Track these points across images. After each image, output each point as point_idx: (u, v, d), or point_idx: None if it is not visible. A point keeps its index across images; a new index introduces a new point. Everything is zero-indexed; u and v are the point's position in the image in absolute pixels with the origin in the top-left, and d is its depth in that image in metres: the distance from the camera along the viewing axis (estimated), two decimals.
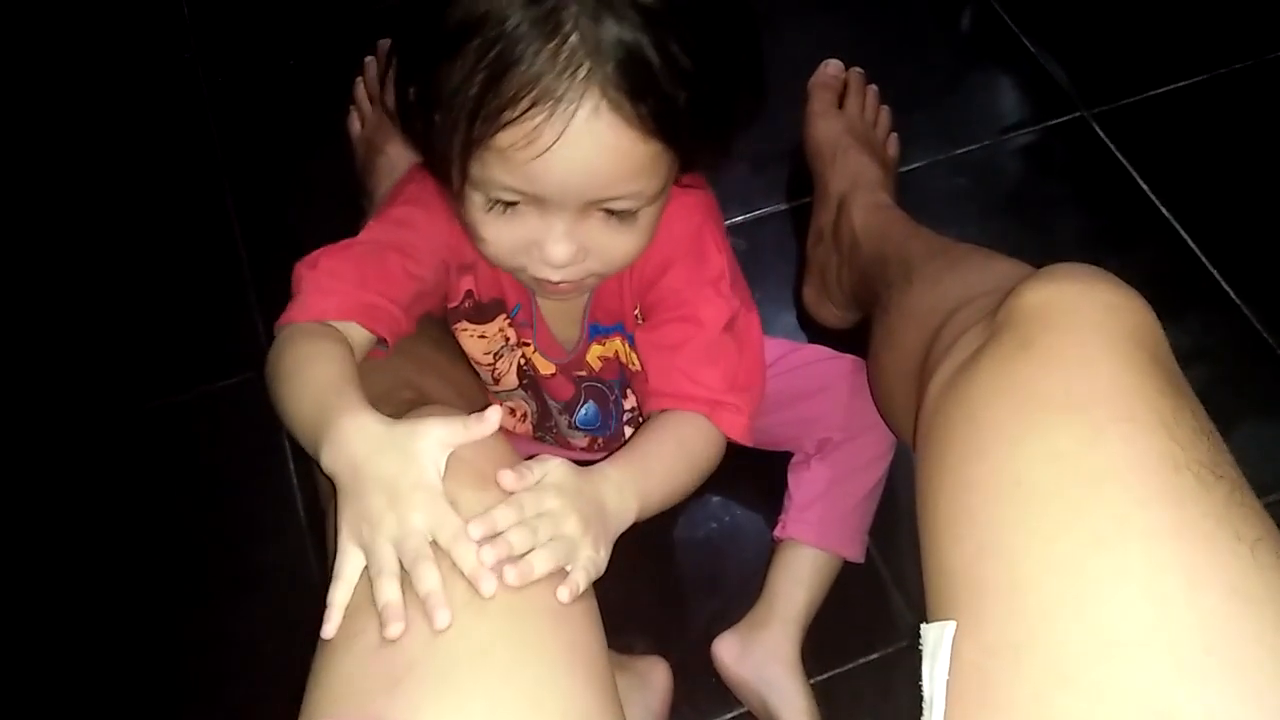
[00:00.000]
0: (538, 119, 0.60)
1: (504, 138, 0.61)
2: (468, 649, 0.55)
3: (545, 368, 0.90)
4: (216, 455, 1.09)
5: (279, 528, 1.05)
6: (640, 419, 0.96)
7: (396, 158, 1.10)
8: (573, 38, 0.59)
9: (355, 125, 1.20)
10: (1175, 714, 0.45)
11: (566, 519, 0.62)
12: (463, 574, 0.57)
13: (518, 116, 0.60)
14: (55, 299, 1.23)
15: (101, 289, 1.24)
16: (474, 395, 0.89)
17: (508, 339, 0.88)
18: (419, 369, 0.82)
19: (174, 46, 1.44)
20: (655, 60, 0.60)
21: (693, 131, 0.65)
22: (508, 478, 0.62)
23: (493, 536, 0.59)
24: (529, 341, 0.88)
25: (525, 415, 0.97)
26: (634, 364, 0.88)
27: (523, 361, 0.90)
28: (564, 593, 0.60)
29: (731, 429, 0.78)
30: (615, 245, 0.70)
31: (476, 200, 0.68)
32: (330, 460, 0.63)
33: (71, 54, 1.44)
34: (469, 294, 0.84)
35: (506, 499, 0.61)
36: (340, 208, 1.18)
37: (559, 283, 0.72)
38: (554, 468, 0.64)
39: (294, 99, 1.37)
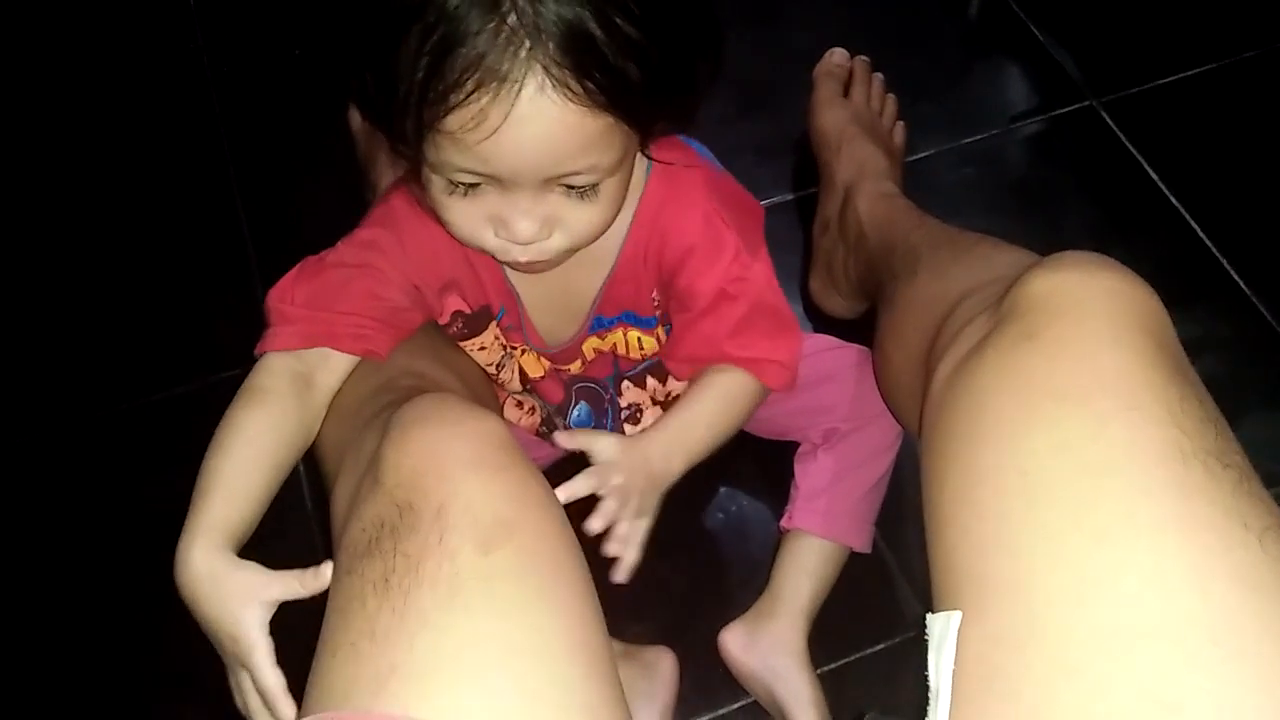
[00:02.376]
0: (483, 100, 0.60)
1: (452, 121, 0.61)
2: (453, 648, 0.54)
3: (534, 370, 0.91)
4: None
5: (284, 524, 1.05)
6: (638, 415, 0.96)
7: None
8: (511, 17, 0.59)
9: (356, 117, 1.20)
10: (1182, 705, 0.45)
11: (630, 496, 0.76)
12: (442, 577, 0.57)
13: (464, 99, 0.60)
14: (58, 289, 1.24)
15: (105, 279, 1.24)
16: (478, 382, 0.88)
17: (505, 347, 0.88)
18: (421, 356, 0.82)
19: (180, 36, 1.44)
20: (599, 34, 0.60)
21: (647, 102, 0.64)
22: (562, 493, 0.72)
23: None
24: (518, 345, 0.88)
25: (533, 409, 0.97)
26: (630, 353, 0.88)
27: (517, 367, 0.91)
28: (623, 573, 0.71)
29: (777, 380, 0.86)
30: (580, 218, 0.70)
31: (437, 183, 0.68)
32: (175, 563, 0.73)
33: (77, 44, 1.44)
34: (456, 314, 0.85)
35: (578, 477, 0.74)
36: (345, 196, 1.18)
37: (528, 261, 0.72)
38: (607, 443, 0.77)
39: (300, 88, 1.37)
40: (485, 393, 0.89)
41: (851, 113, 1.15)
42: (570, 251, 0.74)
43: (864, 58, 1.20)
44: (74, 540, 1.07)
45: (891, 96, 1.20)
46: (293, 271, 0.81)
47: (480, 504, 0.60)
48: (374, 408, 0.74)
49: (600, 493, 0.76)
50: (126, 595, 1.03)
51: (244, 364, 0.82)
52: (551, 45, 0.59)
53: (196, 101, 1.37)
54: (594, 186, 0.68)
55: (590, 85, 0.60)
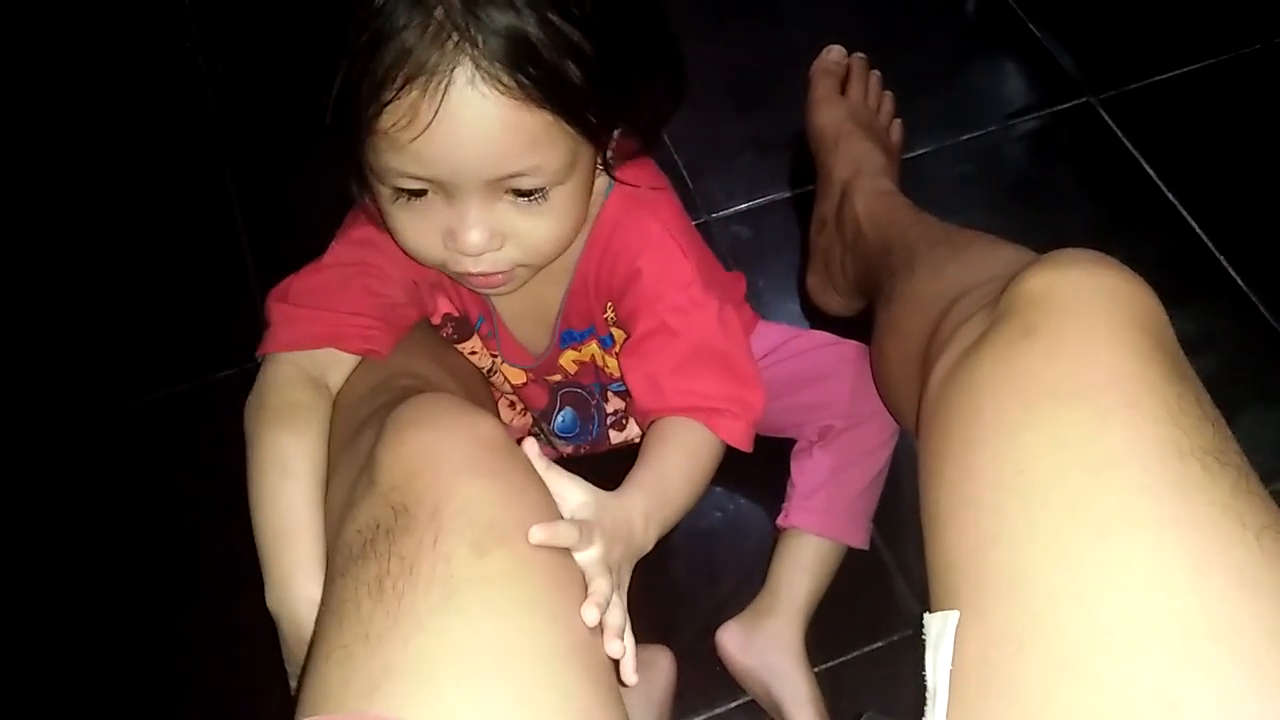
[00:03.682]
0: (412, 94, 0.60)
1: (385, 119, 0.61)
2: (447, 650, 0.54)
3: (516, 377, 0.90)
4: (219, 446, 1.09)
5: None
6: (624, 421, 0.96)
7: None
8: (438, 10, 0.59)
9: None
10: (1181, 703, 0.45)
11: (599, 568, 0.63)
12: (437, 580, 0.56)
13: (394, 96, 0.60)
14: (56, 289, 1.23)
15: (102, 279, 1.24)
16: (473, 382, 0.88)
17: (490, 354, 0.88)
18: (418, 355, 0.82)
19: (174, 35, 1.43)
20: (533, 30, 0.60)
21: (590, 104, 0.64)
22: (537, 534, 0.60)
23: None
24: (496, 354, 0.88)
25: (525, 409, 0.97)
26: (609, 368, 0.88)
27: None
28: (615, 647, 0.60)
29: (730, 435, 0.77)
30: (531, 229, 0.69)
31: (384, 194, 0.67)
32: (271, 608, 0.71)
33: (72, 45, 1.44)
34: (447, 317, 0.85)
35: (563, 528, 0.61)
36: (342, 194, 1.18)
37: (482, 275, 0.71)
38: (579, 496, 0.65)
39: (294, 84, 1.36)
40: (481, 393, 0.89)
41: (848, 110, 1.15)
42: (530, 269, 0.73)
43: (861, 55, 1.20)
44: (77, 538, 1.07)
45: (888, 94, 1.20)
46: (292, 276, 0.81)
47: (476, 506, 0.59)
48: (370, 408, 0.73)
49: (580, 560, 0.63)
50: (128, 593, 1.03)
51: (243, 362, 0.82)
52: (481, 38, 0.59)
53: (192, 100, 1.37)
54: (543, 192, 0.67)
55: (522, 79, 0.60)
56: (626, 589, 0.66)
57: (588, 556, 0.62)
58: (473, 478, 0.61)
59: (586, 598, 0.60)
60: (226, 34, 1.43)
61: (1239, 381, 1.08)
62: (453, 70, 0.59)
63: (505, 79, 0.60)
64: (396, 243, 0.72)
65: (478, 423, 0.65)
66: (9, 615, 1.02)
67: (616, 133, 0.71)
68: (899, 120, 1.19)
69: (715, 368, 0.78)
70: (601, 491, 0.67)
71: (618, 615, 0.62)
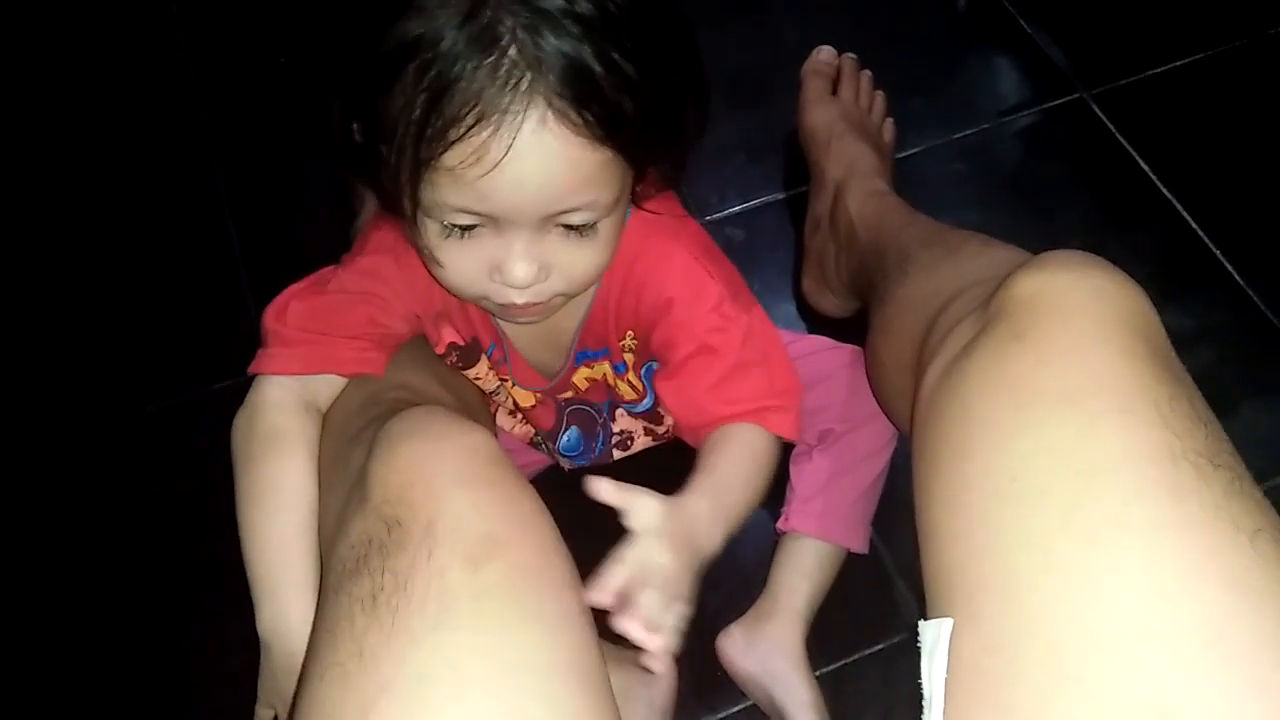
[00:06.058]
0: (484, 134, 0.59)
1: (451, 156, 0.60)
2: (441, 666, 0.54)
3: (525, 400, 0.91)
4: (213, 459, 1.09)
5: None
6: (629, 442, 0.96)
7: None
8: (511, 51, 0.59)
9: None
10: (1175, 709, 0.45)
11: (676, 578, 0.63)
12: (431, 595, 0.56)
13: (464, 134, 0.59)
14: (50, 304, 1.23)
15: (94, 293, 1.23)
16: (469, 394, 0.88)
17: (499, 378, 0.88)
18: (410, 368, 0.82)
19: (164, 47, 1.43)
20: (597, 68, 0.60)
21: (643, 139, 0.64)
22: (605, 489, 0.62)
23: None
24: (506, 378, 0.88)
25: (526, 418, 0.97)
26: (619, 390, 0.88)
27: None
28: (658, 664, 0.61)
29: (782, 428, 0.79)
30: (576, 261, 0.69)
31: (432, 229, 0.67)
32: (262, 633, 0.73)
33: (61, 56, 1.44)
34: (451, 346, 0.85)
35: (618, 556, 0.62)
36: (333, 204, 1.18)
37: (524, 305, 0.71)
38: (650, 506, 0.64)
39: (286, 97, 1.37)
40: (476, 404, 0.89)
41: (840, 111, 1.15)
42: (566, 297, 0.73)
43: (851, 55, 1.20)
44: (75, 551, 1.07)
45: (880, 94, 1.20)
46: (290, 291, 0.81)
47: (469, 520, 0.59)
48: (361, 422, 0.73)
49: (640, 577, 0.62)
50: (125, 606, 1.03)
51: (235, 376, 0.82)
52: (552, 78, 0.59)
53: (182, 112, 1.37)
54: (592, 227, 0.67)
55: (589, 117, 0.60)
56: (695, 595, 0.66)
57: (648, 568, 0.62)
58: (465, 490, 0.61)
59: (587, 602, 0.61)
60: (216, 44, 1.43)
61: (1236, 375, 1.08)
62: (526, 109, 0.59)
63: (574, 117, 0.60)
64: (434, 274, 0.71)
65: (469, 435, 0.65)
66: (7, 628, 1.02)
67: (657, 166, 0.71)
68: (891, 120, 1.19)
69: (756, 373, 0.79)
70: (667, 500, 0.66)
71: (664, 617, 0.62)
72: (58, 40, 1.45)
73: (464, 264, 0.68)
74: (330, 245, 0.89)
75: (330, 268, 0.82)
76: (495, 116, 0.59)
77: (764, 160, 1.28)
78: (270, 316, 0.80)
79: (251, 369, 0.79)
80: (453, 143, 0.60)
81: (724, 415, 0.78)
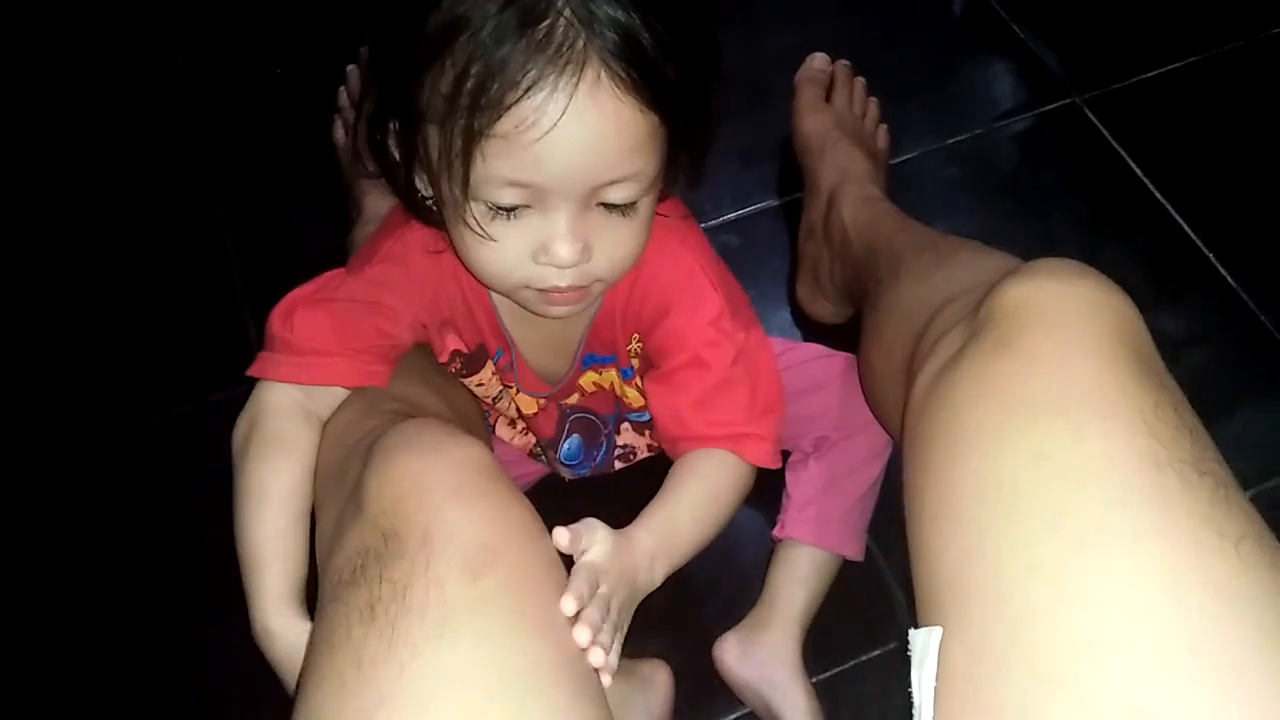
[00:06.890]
0: (539, 96, 0.60)
1: (508, 121, 0.60)
2: (439, 678, 0.54)
3: (529, 407, 0.91)
4: (214, 468, 1.09)
5: None
6: (631, 455, 0.96)
7: None
8: (566, 12, 0.59)
9: (339, 133, 1.20)
10: (1161, 715, 0.45)
11: (614, 606, 0.65)
12: (430, 605, 0.57)
13: (520, 96, 0.60)
14: (47, 315, 1.24)
15: (91, 302, 1.24)
16: (464, 406, 0.88)
17: (502, 384, 0.88)
18: (407, 380, 0.82)
19: (160, 57, 1.44)
20: (645, 34, 0.61)
21: (684, 108, 0.65)
22: (564, 537, 0.64)
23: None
24: (511, 384, 0.88)
25: (527, 428, 0.97)
26: (627, 398, 0.88)
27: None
28: (607, 680, 0.61)
29: (758, 457, 0.80)
30: (619, 241, 0.69)
31: (477, 211, 0.66)
32: (256, 636, 0.73)
33: (57, 66, 1.44)
34: (455, 353, 0.85)
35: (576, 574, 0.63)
36: (330, 214, 1.19)
37: (566, 289, 0.70)
38: (599, 543, 0.66)
39: (282, 107, 1.37)
40: (472, 416, 0.89)
41: (834, 118, 1.15)
42: (605, 285, 0.73)
43: (845, 62, 1.20)
44: (74, 562, 1.07)
45: (873, 100, 1.20)
46: (296, 295, 0.80)
47: (465, 530, 0.60)
48: (358, 433, 0.73)
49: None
50: (123, 616, 1.04)
51: (232, 385, 0.82)
52: (606, 39, 0.60)
53: (179, 122, 1.37)
54: (633, 205, 0.68)
55: (639, 79, 0.61)
56: (625, 628, 0.67)
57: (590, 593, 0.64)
58: (461, 501, 0.62)
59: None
60: (212, 55, 1.43)
61: (1230, 378, 1.08)
62: (582, 69, 0.60)
63: (628, 78, 0.61)
64: (473, 265, 0.71)
65: (464, 447, 0.65)
66: (7, 638, 1.03)
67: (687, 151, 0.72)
68: (884, 126, 1.19)
69: (741, 395, 0.80)
70: (615, 535, 0.69)
71: (605, 636, 0.63)
72: (55, 52, 1.46)
73: (508, 247, 0.68)
74: (325, 255, 0.89)
75: (335, 272, 0.81)
76: (552, 78, 0.59)
77: (758, 167, 1.28)
78: (276, 321, 0.79)
79: (255, 372, 0.79)
80: (509, 106, 0.60)
81: (702, 435, 0.79)
